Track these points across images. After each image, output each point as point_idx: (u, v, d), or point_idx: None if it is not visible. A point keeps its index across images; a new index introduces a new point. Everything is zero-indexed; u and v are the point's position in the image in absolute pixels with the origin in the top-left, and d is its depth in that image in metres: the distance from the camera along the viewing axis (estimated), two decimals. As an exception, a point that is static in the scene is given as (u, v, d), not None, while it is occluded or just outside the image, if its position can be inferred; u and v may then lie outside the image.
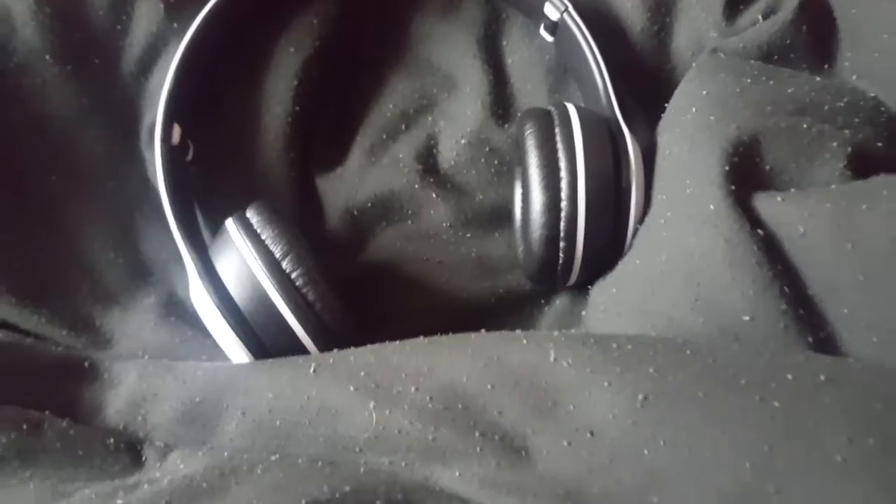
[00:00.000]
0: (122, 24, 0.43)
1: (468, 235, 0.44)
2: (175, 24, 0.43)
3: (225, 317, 0.35)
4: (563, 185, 0.37)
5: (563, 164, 0.37)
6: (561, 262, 0.38)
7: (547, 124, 0.39)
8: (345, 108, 0.48)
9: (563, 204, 0.37)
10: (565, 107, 0.39)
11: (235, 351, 0.35)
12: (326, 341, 0.36)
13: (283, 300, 0.35)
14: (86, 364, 0.37)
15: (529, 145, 0.38)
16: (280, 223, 0.37)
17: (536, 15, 0.45)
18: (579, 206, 0.37)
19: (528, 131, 0.39)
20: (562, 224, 0.37)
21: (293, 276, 0.35)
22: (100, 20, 0.43)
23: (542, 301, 0.43)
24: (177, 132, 0.41)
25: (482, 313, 0.43)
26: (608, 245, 0.38)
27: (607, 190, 0.37)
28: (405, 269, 0.43)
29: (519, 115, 0.45)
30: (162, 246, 0.42)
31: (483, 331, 0.35)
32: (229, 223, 0.37)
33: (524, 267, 0.40)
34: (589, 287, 0.40)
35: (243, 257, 0.36)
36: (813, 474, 0.27)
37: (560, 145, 0.38)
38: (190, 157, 0.43)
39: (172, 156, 0.40)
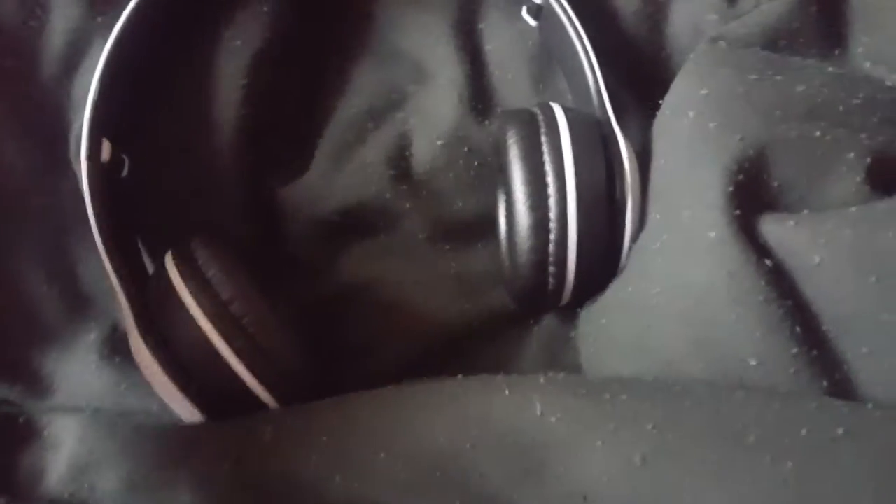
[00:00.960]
0: (35, 20, 0.39)
1: (447, 248, 0.40)
2: (99, 19, 0.39)
3: (166, 369, 0.31)
4: (551, 202, 0.33)
5: (550, 179, 0.33)
6: (550, 286, 0.35)
7: (532, 131, 0.35)
8: (303, 108, 0.43)
9: (552, 225, 0.33)
10: (552, 109, 0.35)
11: (181, 407, 0.32)
12: (286, 390, 0.32)
13: (233, 351, 0.31)
14: (20, 420, 0.34)
15: (512, 156, 0.34)
16: (228, 256, 0.33)
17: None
18: (569, 227, 0.33)
19: (511, 139, 0.35)
20: (550, 248, 0.34)
21: (244, 322, 0.32)
22: (8, 17, 0.38)
23: (529, 322, 0.39)
24: (107, 147, 0.36)
25: (464, 337, 0.39)
26: (601, 266, 0.35)
27: (600, 207, 0.34)
28: (378, 291, 0.39)
29: (500, 112, 0.41)
30: (102, 273, 0.38)
31: (462, 371, 0.32)
32: (168, 259, 0.33)
33: (509, 290, 0.37)
34: (578, 309, 0.37)
35: (184, 301, 0.32)
36: (833, 546, 0.25)
37: (546, 157, 0.34)
38: (125, 172, 0.38)
39: (103, 174, 0.36)
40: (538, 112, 0.35)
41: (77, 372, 0.37)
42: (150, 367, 0.32)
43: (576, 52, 0.38)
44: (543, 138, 0.34)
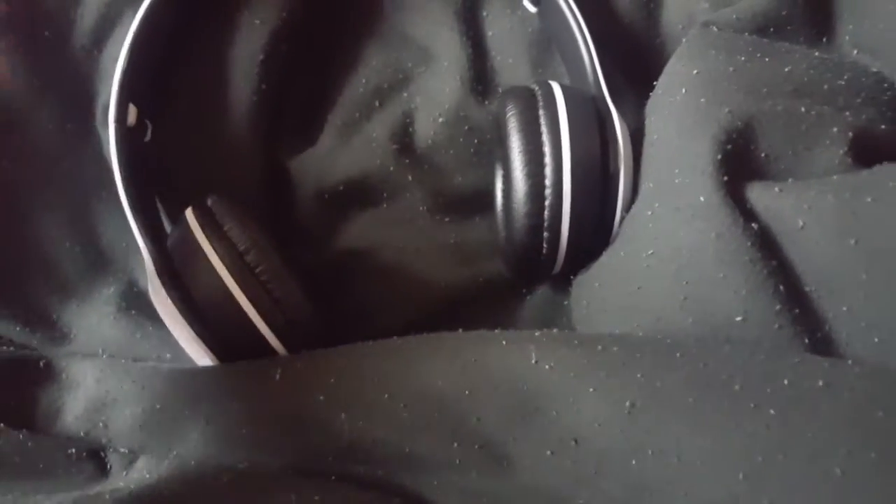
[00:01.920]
0: None
1: (446, 220, 0.42)
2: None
3: (184, 315, 0.32)
4: (548, 171, 0.35)
5: (547, 149, 0.35)
6: (544, 252, 0.36)
7: (530, 105, 0.36)
8: (314, 85, 0.45)
9: (547, 192, 0.35)
10: (549, 86, 0.37)
11: (196, 350, 0.33)
12: (294, 339, 0.34)
13: (247, 298, 0.33)
14: (41, 364, 0.35)
15: (511, 128, 0.36)
16: (243, 213, 0.35)
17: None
18: (564, 194, 0.35)
19: (510, 112, 0.36)
20: (545, 213, 0.35)
21: (257, 271, 0.33)
22: None
23: (524, 290, 0.41)
24: (133, 112, 0.38)
25: (461, 303, 0.40)
26: (594, 235, 0.36)
27: (594, 177, 0.35)
28: (380, 257, 0.41)
29: (500, 92, 0.43)
30: (122, 233, 0.40)
31: (461, 329, 0.34)
32: (188, 213, 0.35)
33: (505, 257, 0.38)
34: (571, 277, 0.38)
35: (203, 251, 0.33)
36: (810, 488, 0.26)
37: (544, 128, 0.35)
38: (148, 137, 0.40)
39: (128, 137, 0.37)
40: (536, 88, 0.37)
41: (95, 322, 0.39)
42: (170, 313, 0.33)
43: (574, 38, 0.39)
44: (541, 111, 0.36)
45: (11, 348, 0.36)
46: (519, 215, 0.35)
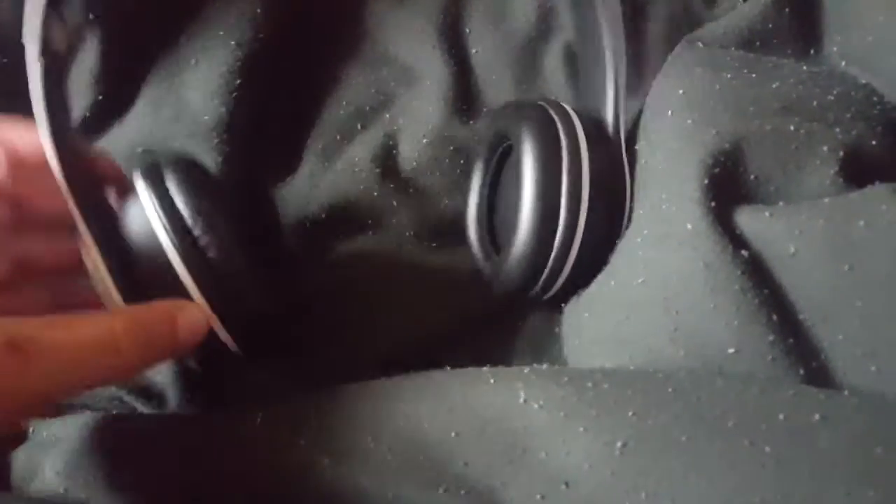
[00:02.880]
0: None
1: (434, 245, 0.41)
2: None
3: (117, 282, 0.31)
4: (563, 198, 0.34)
5: (565, 176, 0.34)
6: (541, 281, 0.35)
7: (548, 126, 0.35)
8: (293, 109, 0.44)
9: (561, 219, 0.34)
10: (565, 109, 0.36)
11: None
12: (236, 320, 0.32)
13: (187, 271, 0.31)
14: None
15: (527, 140, 0.34)
16: (196, 180, 0.33)
17: None
18: (581, 216, 0.34)
19: (527, 131, 0.35)
20: (555, 243, 0.34)
21: (201, 241, 0.32)
22: None
23: (516, 320, 0.40)
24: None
25: (450, 334, 0.39)
26: (595, 263, 0.35)
27: (606, 203, 0.34)
28: (365, 288, 0.40)
29: (502, 106, 0.41)
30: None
31: (449, 362, 0.33)
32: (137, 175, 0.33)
33: (498, 277, 0.37)
34: (562, 305, 0.37)
35: (146, 214, 0.32)
36: (809, 529, 0.25)
37: (564, 143, 0.34)
38: None
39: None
40: (549, 108, 0.36)
41: None
42: (103, 279, 0.31)
43: (602, 46, 0.37)
44: (561, 134, 0.35)
45: None
46: (526, 240, 0.34)
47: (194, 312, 0.31)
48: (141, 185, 0.32)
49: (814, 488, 0.26)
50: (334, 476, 0.29)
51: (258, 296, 0.33)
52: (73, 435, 0.33)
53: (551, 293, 0.36)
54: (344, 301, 0.40)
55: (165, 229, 0.31)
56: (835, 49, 0.36)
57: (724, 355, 0.30)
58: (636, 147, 0.36)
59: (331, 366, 0.39)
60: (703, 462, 0.27)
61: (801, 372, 0.29)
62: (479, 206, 0.40)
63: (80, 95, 0.40)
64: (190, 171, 0.33)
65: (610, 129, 0.36)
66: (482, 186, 0.40)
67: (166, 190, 0.32)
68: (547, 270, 0.35)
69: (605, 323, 0.34)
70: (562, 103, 0.36)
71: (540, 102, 0.36)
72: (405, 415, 0.30)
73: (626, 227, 0.35)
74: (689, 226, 0.31)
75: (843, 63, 0.36)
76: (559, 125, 0.35)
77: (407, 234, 0.41)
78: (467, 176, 0.41)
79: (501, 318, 0.40)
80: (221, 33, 0.41)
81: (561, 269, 0.35)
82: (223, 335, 0.33)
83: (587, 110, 0.37)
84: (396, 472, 0.29)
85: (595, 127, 0.36)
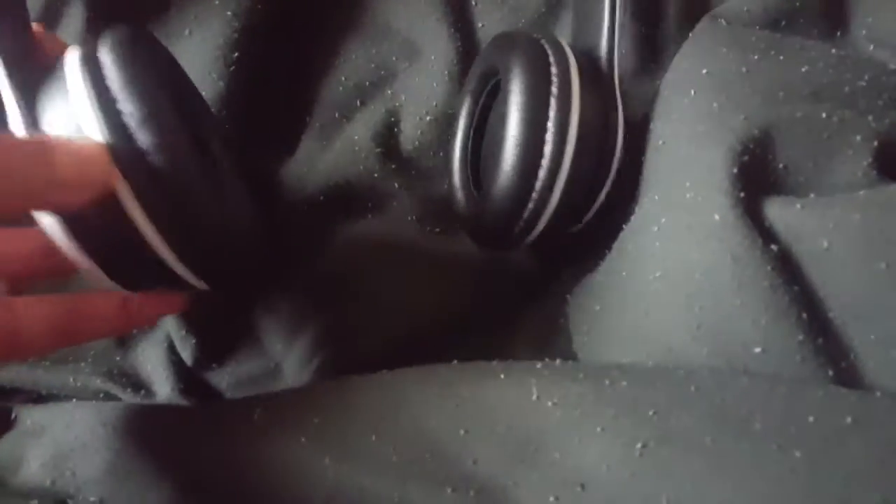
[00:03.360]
0: None
1: (437, 231, 0.39)
2: None
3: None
4: (549, 133, 0.31)
5: (552, 111, 0.31)
6: (522, 221, 0.33)
7: (540, 59, 0.33)
8: (293, 85, 0.41)
9: (547, 147, 0.31)
10: (561, 46, 0.34)
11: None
12: (188, 246, 0.27)
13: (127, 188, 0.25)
14: (10, 415, 0.32)
15: (516, 71, 0.32)
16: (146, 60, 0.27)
17: None
18: (565, 155, 0.31)
19: (517, 61, 0.33)
20: (538, 178, 0.32)
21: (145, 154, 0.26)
22: None
23: (523, 309, 0.38)
24: None
25: (453, 325, 0.38)
26: (576, 210, 0.34)
27: (596, 142, 0.32)
28: (365, 275, 0.38)
29: (493, 38, 0.38)
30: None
31: (452, 353, 0.31)
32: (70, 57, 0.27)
33: (474, 218, 0.35)
34: (567, 297, 0.36)
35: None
36: (840, 538, 0.24)
37: (555, 79, 0.32)
38: None
39: None
40: (546, 44, 0.34)
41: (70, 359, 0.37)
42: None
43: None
44: (553, 70, 0.32)
45: None
46: (508, 174, 0.32)
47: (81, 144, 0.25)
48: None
49: (846, 494, 0.24)
50: (336, 475, 0.28)
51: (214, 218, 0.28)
52: (58, 424, 0.31)
53: (533, 235, 0.34)
54: (344, 287, 0.38)
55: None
56: (863, 32, 0.35)
57: (750, 354, 0.28)
58: (651, 126, 0.34)
59: (327, 353, 0.37)
60: (728, 466, 0.26)
61: (830, 373, 0.28)
62: (464, 148, 0.38)
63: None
64: None
65: (604, 64, 0.34)
66: (468, 127, 0.38)
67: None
68: (529, 207, 0.33)
69: (619, 318, 0.32)
70: (558, 38, 0.34)
71: (534, 35, 0.34)
72: (410, 411, 0.29)
73: (613, 178, 0.34)
74: (716, 216, 0.29)
75: (872, 47, 0.34)
76: (551, 58, 0.33)
77: (409, 218, 0.39)
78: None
79: (504, 307, 0.38)
80: (217, 2, 0.39)
81: (544, 208, 0.32)
82: (187, 276, 0.28)
83: (583, 48, 0.35)
84: (401, 471, 0.27)
85: (590, 63, 0.34)
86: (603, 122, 0.33)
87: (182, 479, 0.29)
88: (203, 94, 0.37)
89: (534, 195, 0.32)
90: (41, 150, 0.24)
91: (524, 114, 0.31)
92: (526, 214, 0.33)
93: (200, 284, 0.29)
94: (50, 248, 0.27)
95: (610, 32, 0.34)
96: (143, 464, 0.30)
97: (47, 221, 0.26)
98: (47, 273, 0.31)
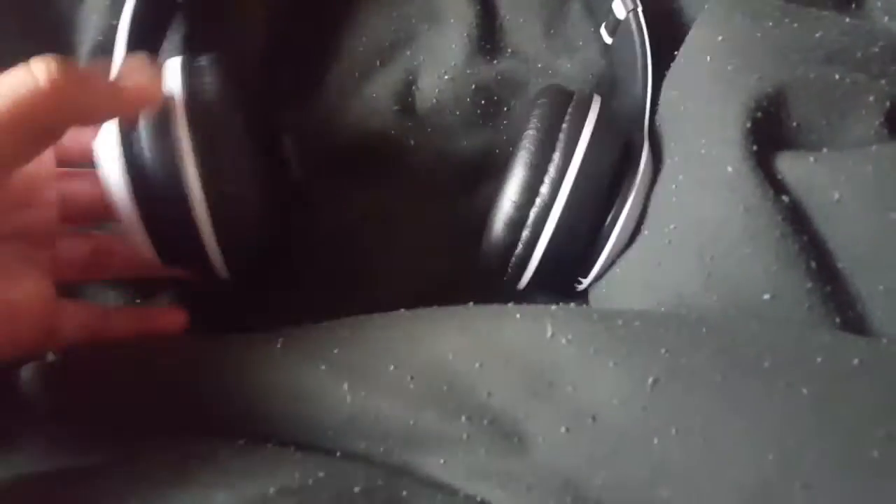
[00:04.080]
0: None
1: (450, 188, 0.40)
2: None
3: (127, 169, 0.30)
4: (550, 169, 0.32)
5: (558, 149, 0.32)
6: (518, 252, 0.34)
7: (561, 104, 0.34)
8: (313, 44, 0.42)
9: (544, 189, 0.32)
10: (590, 96, 0.34)
11: (127, 209, 0.30)
12: (233, 234, 0.31)
13: (198, 176, 0.30)
14: None
15: (533, 117, 0.33)
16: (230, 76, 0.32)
17: (601, 10, 0.40)
18: (559, 197, 0.32)
19: (538, 105, 0.34)
20: (531, 211, 0.33)
21: (215, 146, 0.30)
22: None
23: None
24: None
25: (462, 281, 0.38)
26: (574, 255, 0.34)
27: (594, 198, 0.33)
28: (378, 228, 0.39)
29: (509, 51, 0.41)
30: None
31: (471, 303, 0.32)
32: (172, 62, 0.32)
33: (483, 244, 0.35)
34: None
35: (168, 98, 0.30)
36: (845, 471, 0.25)
37: (564, 128, 0.33)
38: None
39: None
40: (576, 94, 0.35)
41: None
42: (108, 144, 0.30)
43: (636, 73, 0.37)
44: (569, 113, 0.33)
45: None
46: (506, 204, 0.33)
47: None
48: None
49: (853, 430, 0.25)
50: (354, 400, 0.28)
51: (260, 224, 0.32)
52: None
53: (528, 274, 0.35)
54: (358, 239, 0.39)
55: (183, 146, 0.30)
56: (878, 4, 0.36)
57: (760, 301, 0.29)
58: (668, 96, 0.35)
59: (333, 307, 0.38)
60: (737, 401, 0.26)
61: (837, 320, 0.29)
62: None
63: (99, 15, 0.39)
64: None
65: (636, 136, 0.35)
66: None
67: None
68: (514, 258, 0.34)
69: (633, 269, 0.33)
70: (594, 94, 0.35)
71: (571, 90, 0.35)
72: (429, 344, 0.29)
73: (629, 246, 0.34)
74: (729, 169, 0.30)
75: (886, 18, 0.36)
76: (573, 103, 0.34)
77: (424, 174, 0.40)
78: (489, 116, 0.40)
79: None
80: None
81: (534, 243, 0.33)
82: (217, 261, 0.32)
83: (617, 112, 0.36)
84: (418, 399, 0.28)
85: (615, 123, 0.34)
86: (612, 172, 0.33)
87: (205, 403, 0.30)
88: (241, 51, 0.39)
89: (519, 246, 0.33)
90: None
91: (527, 156, 0.33)
92: (511, 264, 0.34)
93: (223, 270, 0.33)
94: (100, 252, 0.34)
95: (643, 99, 0.36)
96: (167, 390, 0.30)
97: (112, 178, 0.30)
98: (94, 276, 0.36)
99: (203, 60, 0.32)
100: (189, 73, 0.32)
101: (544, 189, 0.32)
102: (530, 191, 0.32)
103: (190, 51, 0.38)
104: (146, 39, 0.35)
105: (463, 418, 0.28)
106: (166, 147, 0.30)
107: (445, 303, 0.37)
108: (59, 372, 0.31)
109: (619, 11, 0.38)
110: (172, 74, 0.31)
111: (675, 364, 0.27)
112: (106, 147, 0.31)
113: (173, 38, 0.39)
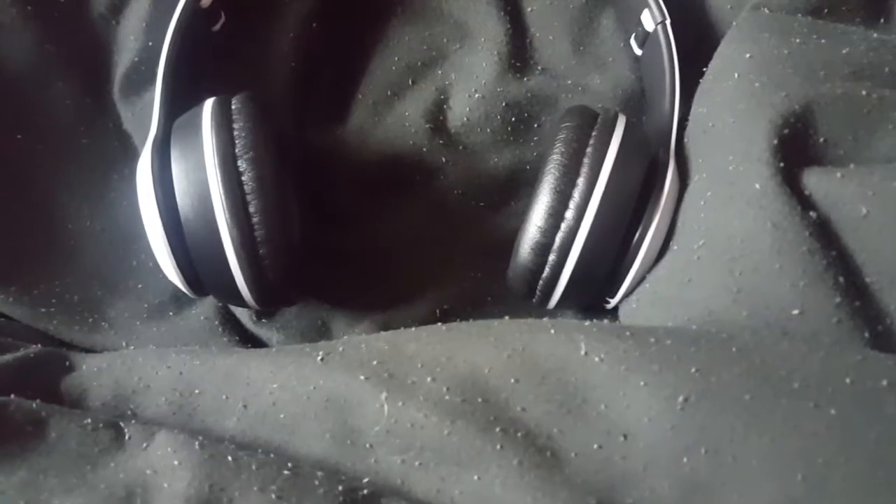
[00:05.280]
0: None
1: (481, 205, 0.41)
2: None
3: (159, 203, 0.32)
4: (576, 193, 0.33)
5: (584, 171, 0.33)
6: (544, 276, 0.34)
7: (585, 125, 0.34)
8: (345, 64, 0.43)
9: (569, 213, 0.33)
10: (615, 115, 0.35)
11: (159, 243, 0.33)
12: (262, 266, 0.33)
13: (223, 204, 0.32)
14: (66, 361, 0.34)
15: (556, 141, 0.34)
16: (264, 116, 0.33)
17: (631, 22, 0.40)
18: (584, 221, 0.32)
19: (562, 127, 0.34)
20: (558, 235, 0.33)
21: (244, 178, 0.32)
22: None
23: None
24: None
25: (491, 298, 0.39)
26: (600, 276, 0.34)
27: (620, 218, 0.33)
28: (409, 245, 0.40)
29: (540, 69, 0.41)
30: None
31: (507, 318, 0.32)
32: (208, 102, 0.34)
33: (510, 267, 0.36)
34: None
35: (199, 142, 0.32)
36: (872, 493, 0.25)
37: (589, 151, 0.33)
38: (218, 27, 0.39)
39: (196, 14, 0.37)
40: (601, 113, 0.35)
41: (125, 318, 0.38)
42: (146, 192, 0.32)
43: (663, 87, 0.37)
44: (594, 135, 0.34)
45: (38, 346, 0.35)
46: (532, 229, 0.33)
47: None
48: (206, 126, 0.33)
49: (880, 453, 0.25)
50: (392, 409, 0.29)
51: (290, 263, 0.34)
52: (119, 367, 0.33)
53: (557, 294, 0.35)
54: (390, 256, 0.40)
55: (212, 153, 0.32)
56: (906, 19, 0.36)
57: (788, 316, 0.29)
58: (696, 112, 0.35)
59: (373, 318, 0.39)
60: (766, 421, 0.27)
61: (866, 335, 0.29)
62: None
63: (136, 37, 0.40)
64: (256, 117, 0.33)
65: (662, 154, 0.35)
66: None
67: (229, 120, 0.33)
68: (541, 282, 0.34)
69: (664, 285, 0.34)
70: (619, 112, 0.35)
71: (597, 110, 0.35)
72: (465, 358, 0.30)
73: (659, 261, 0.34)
74: (756, 185, 0.30)
75: (914, 34, 0.35)
76: (598, 123, 0.34)
77: (455, 192, 0.41)
78: (518, 133, 0.41)
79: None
80: None
81: (561, 266, 0.34)
82: (246, 294, 0.33)
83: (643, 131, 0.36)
84: (453, 409, 0.29)
85: (641, 141, 0.34)
86: (637, 191, 0.33)
87: (245, 416, 0.31)
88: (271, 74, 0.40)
89: (546, 269, 0.34)
90: None
91: (553, 173, 0.33)
92: (540, 287, 0.34)
93: (253, 304, 0.34)
94: None
95: (671, 115, 0.36)
96: (208, 403, 0.31)
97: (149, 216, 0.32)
98: None
99: (236, 102, 0.34)
100: (221, 115, 0.33)
101: (569, 214, 0.33)
102: (555, 216, 0.33)
103: (223, 77, 0.40)
104: (185, 63, 0.37)
105: (497, 430, 0.28)
106: (200, 192, 0.32)
107: (477, 317, 0.38)
108: None
109: (648, 24, 0.38)
110: (206, 116, 0.33)
111: (705, 383, 0.27)
112: (142, 191, 0.32)
113: (208, 62, 0.40)
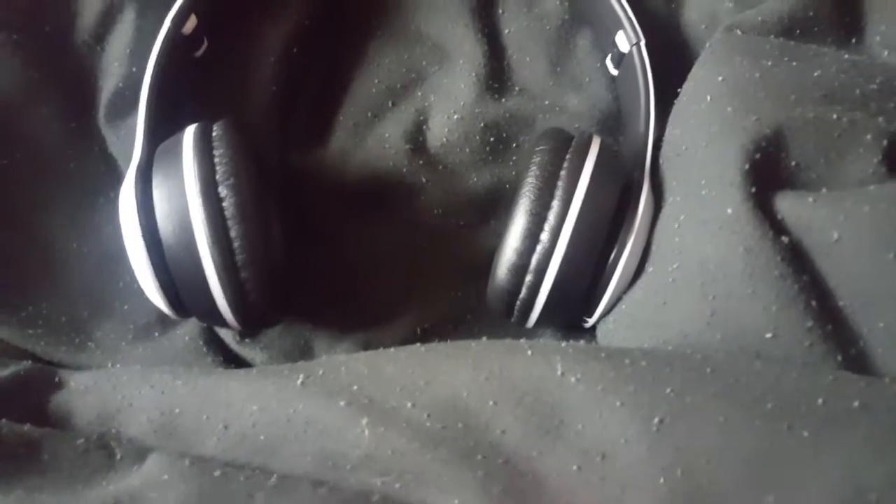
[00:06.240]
0: None
1: (461, 224, 0.41)
2: None
3: (141, 229, 0.32)
4: (551, 214, 0.33)
5: (558, 193, 0.33)
6: (521, 297, 0.35)
7: (560, 147, 0.34)
8: (326, 86, 0.44)
9: (544, 235, 0.33)
10: (589, 137, 0.35)
11: (143, 268, 0.33)
12: (243, 290, 0.33)
13: (204, 229, 0.32)
14: (55, 378, 0.34)
15: (532, 164, 0.34)
16: (244, 143, 0.34)
17: (606, 42, 0.41)
18: (559, 242, 0.33)
19: (537, 150, 0.35)
20: (534, 256, 0.33)
21: (225, 204, 0.32)
22: None
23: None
24: (192, 21, 0.38)
25: (473, 314, 0.40)
26: (577, 297, 0.34)
27: (596, 238, 0.33)
28: (388, 264, 0.40)
29: (518, 89, 0.42)
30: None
31: (485, 338, 0.33)
32: (189, 129, 0.34)
33: (488, 290, 0.36)
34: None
35: (180, 168, 0.32)
36: (845, 514, 0.25)
37: (563, 173, 0.33)
38: (201, 52, 0.40)
39: (178, 43, 0.37)
40: (576, 136, 0.35)
41: (111, 339, 0.39)
42: (129, 219, 0.33)
43: (639, 108, 0.38)
44: (568, 157, 0.34)
45: (28, 362, 0.35)
46: (508, 251, 0.34)
47: None
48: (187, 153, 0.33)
49: (852, 474, 0.25)
50: (372, 436, 0.29)
51: (271, 286, 0.34)
52: (105, 386, 0.33)
53: (535, 314, 0.36)
54: (370, 275, 0.40)
55: (193, 181, 0.32)
56: (877, 38, 0.36)
57: (762, 340, 0.30)
58: (670, 134, 0.36)
59: (355, 336, 0.39)
60: (739, 443, 0.27)
61: (839, 358, 0.29)
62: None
63: (120, 63, 0.40)
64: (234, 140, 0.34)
65: (637, 174, 0.36)
66: None
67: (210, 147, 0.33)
68: (519, 302, 0.35)
69: (639, 308, 0.34)
70: (594, 134, 0.36)
71: (572, 132, 0.36)
72: (444, 382, 0.30)
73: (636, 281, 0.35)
74: (729, 210, 0.31)
75: (886, 53, 0.36)
76: (572, 146, 0.34)
77: (435, 211, 0.41)
78: (497, 153, 0.41)
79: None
80: (258, 15, 0.41)
81: (538, 286, 0.34)
82: (228, 316, 0.34)
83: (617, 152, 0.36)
84: (436, 435, 0.29)
85: (615, 163, 0.35)
86: (612, 211, 0.33)
87: (226, 437, 0.31)
88: (251, 96, 0.41)
89: (528, 277, 0.34)
90: None
91: (528, 195, 0.33)
92: (525, 289, 0.34)
93: (235, 326, 0.35)
94: None
95: (645, 136, 0.36)
96: (189, 423, 0.31)
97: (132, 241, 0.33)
98: None
99: (217, 128, 0.34)
100: (202, 142, 0.33)
101: (544, 236, 0.33)
102: (531, 238, 0.33)
103: (206, 102, 0.40)
104: (167, 89, 0.37)
105: (479, 457, 0.29)
106: (181, 218, 0.32)
107: (457, 335, 0.38)
108: None
109: (623, 45, 0.39)
110: (187, 143, 0.33)
111: (680, 404, 0.28)
112: (125, 216, 0.33)
113: (191, 87, 0.41)
